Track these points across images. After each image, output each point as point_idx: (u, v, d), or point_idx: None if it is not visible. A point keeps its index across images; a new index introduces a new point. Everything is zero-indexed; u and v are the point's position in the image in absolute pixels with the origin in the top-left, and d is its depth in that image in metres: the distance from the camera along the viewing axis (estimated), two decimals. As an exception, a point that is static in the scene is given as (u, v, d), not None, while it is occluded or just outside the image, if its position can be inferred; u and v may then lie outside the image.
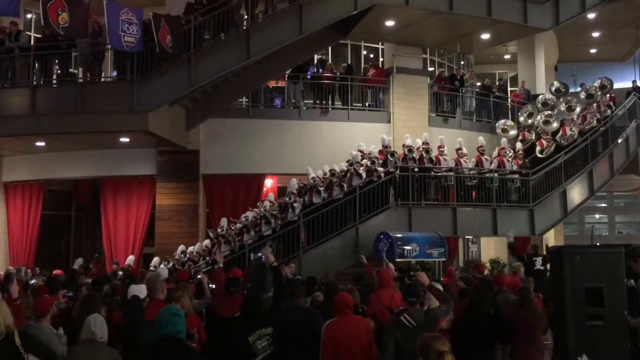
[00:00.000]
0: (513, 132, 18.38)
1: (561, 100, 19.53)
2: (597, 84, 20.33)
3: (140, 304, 6.62)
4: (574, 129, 17.83)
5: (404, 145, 15.45)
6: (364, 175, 14.19)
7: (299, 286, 7.11)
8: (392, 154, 15.00)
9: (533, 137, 18.44)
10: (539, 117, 18.37)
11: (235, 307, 6.54)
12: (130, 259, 14.93)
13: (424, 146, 15.43)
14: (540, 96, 20.15)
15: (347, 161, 14.93)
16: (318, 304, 7.46)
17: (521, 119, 18.93)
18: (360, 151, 15.20)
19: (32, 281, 11.61)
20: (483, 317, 7.25)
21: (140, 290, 6.78)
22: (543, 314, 7.18)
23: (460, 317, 7.39)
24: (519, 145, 17.24)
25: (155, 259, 14.38)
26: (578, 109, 18.79)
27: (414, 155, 15.05)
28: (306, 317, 6.16)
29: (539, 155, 17.46)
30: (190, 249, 14.35)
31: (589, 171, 17.29)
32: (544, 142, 17.56)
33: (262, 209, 14.23)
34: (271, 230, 13.71)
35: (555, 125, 18.06)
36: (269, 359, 4.89)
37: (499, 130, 18.60)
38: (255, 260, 11.29)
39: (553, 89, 20.35)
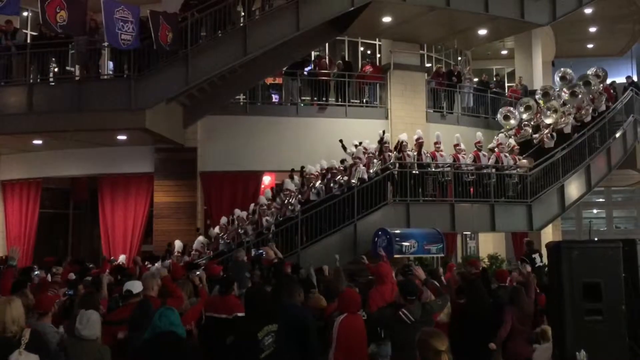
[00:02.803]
0: (513, 122, 18.39)
1: (564, 89, 19.48)
2: (591, 71, 20.34)
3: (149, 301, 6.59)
4: (569, 117, 17.91)
5: (399, 142, 15.41)
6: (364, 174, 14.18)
7: (294, 284, 7.12)
8: (400, 146, 14.94)
9: (530, 132, 18.44)
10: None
11: (228, 307, 6.55)
12: (122, 257, 14.88)
13: (419, 141, 15.41)
14: (541, 87, 20.18)
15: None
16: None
17: (521, 109, 18.90)
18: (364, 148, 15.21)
19: (36, 272, 11.63)
20: (479, 312, 7.28)
21: (133, 285, 6.74)
22: (531, 312, 7.20)
23: (458, 312, 7.43)
24: (511, 141, 17.22)
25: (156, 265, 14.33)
26: (580, 96, 18.74)
27: (409, 152, 15.04)
28: (297, 315, 6.15)
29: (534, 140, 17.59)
30: (178, 243, 14.38)
31: (586, 166, 17.31)
32: (545, 138, 17.62)
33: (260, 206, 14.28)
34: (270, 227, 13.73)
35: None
36: (273, 356, 4.91)
37: (500, 117, 18.58)
38: (256, 256, 11.29)
39: (559, 75, 20.29)
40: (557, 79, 20.05)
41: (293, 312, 6.00)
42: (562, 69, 20.65)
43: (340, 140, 15.09)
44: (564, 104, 18.59)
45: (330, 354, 5.81)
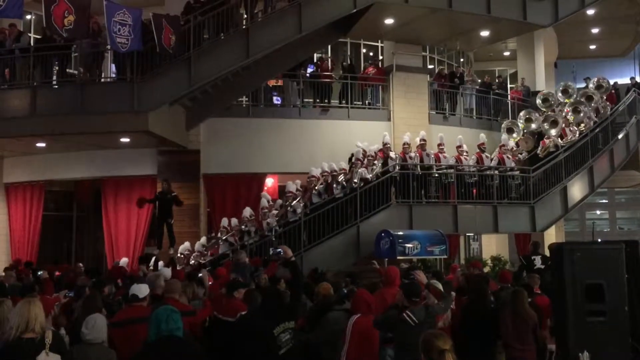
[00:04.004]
0: (515, 135, 18.28)
1: (561, 97, 19.49)
2: (593, 84, 20.28)
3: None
4: (574, 128, 17.83)
5: (404, 144, 15.41)
6: (366, 174, 14.20)
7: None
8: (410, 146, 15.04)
9: (532, 145, 18.38)
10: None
11: (233, 309, 6.56)
12: (124, 261, 14.86)
13: (421, 142, 15.43)
14: (540, 93, 20.13)
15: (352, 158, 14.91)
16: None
17: (520, 122, 18.77)
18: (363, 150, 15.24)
19: (39, 272, 11.69)
20: (482, 313, 7.27)
21: (139, 289, 6.74)
22: (533, 314, 7.17)
23: (460, 313, 7.43)
24: (511, 143, 17.17)
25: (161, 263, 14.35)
26: (582, 114, 18.62)
27: (411, 155, 15.05)
28: None
29: (539, 154, 17.45)
30: (186, 244, 14.41)
31: (589, 167, 17.31)
32: (546, 141, 17.57)
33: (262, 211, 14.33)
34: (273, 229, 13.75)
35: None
36: (292, 353, 4.95)
37: (504, 131, 18.42)
38: (275, 255, 11.30)
39: (561, 89, 20.21)
40: (559, 94, 19.91)
41: None
42: (562, 83, 20.65)
43: None
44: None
45: (343, 352, 5.91)
